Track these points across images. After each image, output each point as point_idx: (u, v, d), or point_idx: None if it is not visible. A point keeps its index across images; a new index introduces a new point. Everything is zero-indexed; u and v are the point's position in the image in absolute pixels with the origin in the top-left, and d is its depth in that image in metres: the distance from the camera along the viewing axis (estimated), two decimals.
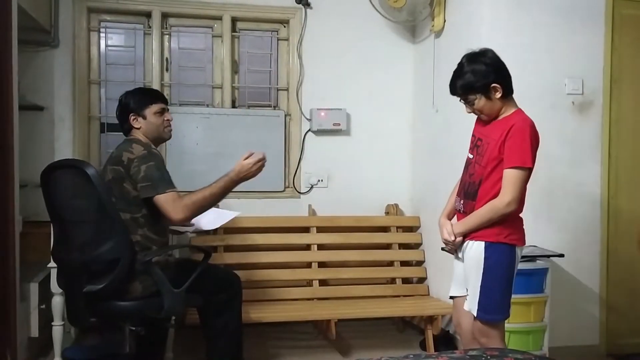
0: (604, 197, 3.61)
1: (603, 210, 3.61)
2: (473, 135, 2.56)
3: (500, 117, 2.43)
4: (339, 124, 4.25)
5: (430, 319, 3.67)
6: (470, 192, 2.43)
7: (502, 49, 3.45)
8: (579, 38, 3.53)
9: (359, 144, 4.37)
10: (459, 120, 3.66)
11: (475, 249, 2.41)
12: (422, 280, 4.24)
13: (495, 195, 2.35)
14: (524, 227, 2.46)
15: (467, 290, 2.46)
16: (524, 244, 2.47)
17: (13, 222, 2.84)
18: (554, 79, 3.51)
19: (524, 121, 2.36)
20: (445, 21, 3.89)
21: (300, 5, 4.24)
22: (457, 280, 2.56)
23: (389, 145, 4.41)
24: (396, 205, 4.36)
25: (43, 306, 3.29)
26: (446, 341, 3.69)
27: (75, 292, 2.61)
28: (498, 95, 2.38)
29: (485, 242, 2.38)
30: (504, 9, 3.46)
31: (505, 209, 2.32)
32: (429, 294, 4.13)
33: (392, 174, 4.42)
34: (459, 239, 2.45)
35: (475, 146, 2.50)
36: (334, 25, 4.29)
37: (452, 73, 2.47)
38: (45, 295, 3.26)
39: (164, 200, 2.55)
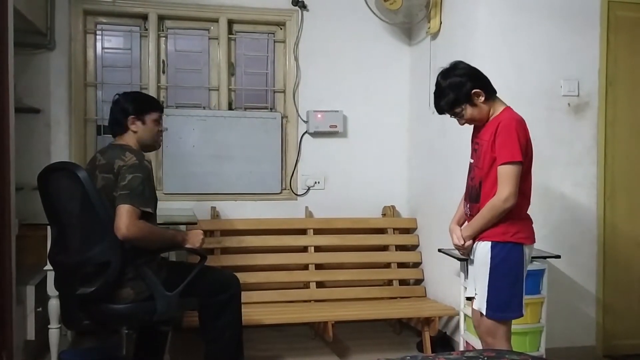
0: (600, 198, 3.62)
1: (599, 211, 3.62)
2: (472, 141, 2.62)
3: (491, 118, 2.49)
4: (336, 126, 4.25)
5: (427, 321, 3.67)
6: (474, 195, 2.50)
7: (498, 51, 3.49)
8: (575, 40, 3.54)
9: (356, 146, 4.38)
10: (455, 122, 3.67)
11: (481, 249, 2.45)
12: (419, 282, 4.24)
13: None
14: (532, 226, 2.50)
15: (475, 290, 2.50)
16: (533, 242, 2.51)
17: (9, 224, 2.83)
18: (550, 81, 3.52)
19: (509, 118, 2.41)
20: (441, 23, 3.90)
21: (297, 8, 4.24)
22: (471, 281, 2.60)
23: (385, 147, 4.42)
24: (393, 207, 4.36)
25: (39, 309, 3.28)
26: (443, 343, 3.70)
27: (69, 295, 2.60)
28: (481, 99, 2.46)
29: (492, 241, 2.42)
30: (499, 11, 3.47)
31: (504, 205, 2.35)
32: (425, 296, 4.13)
33: (388, 175, 4.42)
34: (469, 242, 2.49)
35: (474, 151, 2.57)
36: (330, 27, 4.30)
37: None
38: (42, 298, 3.25)
39: (124, 210, 2.47)
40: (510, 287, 2.42)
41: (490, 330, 2.45)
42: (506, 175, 2.35)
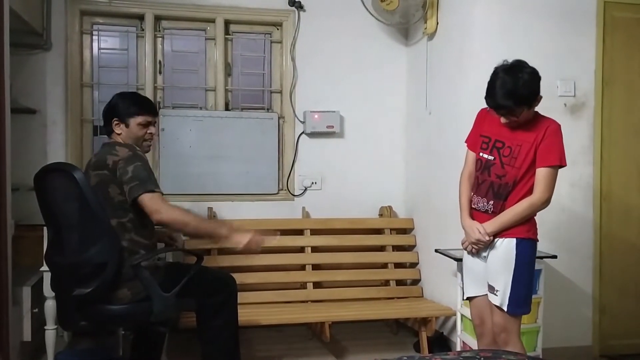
0: (597, 198, 3.63)
1: (595, 212, 3.63)
2: (485, 137, 2.59)
3: (527, 121, 2.50)
4: (333, 127, 4.26)
5: (424, 321, 3.68)
6: (502, 193, 2.50)
7: (494, 52, 3.49)
8: (571, 40, 3.55)
9: (353, 147, 4.38)
10: (452, 122, 3.69)
11: (505, 246, 2.49)
12: (416, 282, 4.25)
13: (525, 194, 2.47)
14: None
15: (491, 286, 2.51)
16: None
17: (5, 225, 2.83)
18: (546, 81, 3.43)
19: (556, 123, 2.51)
20: (438, 24, 3.91)
21: (293, 8, 4.24)
22: (477, 279, 2.62)
23: (382, 148, 4.42)
24: (390, 207, 4.37)
25: (36, 310, 3.28)
26: (440, 343, 3.70)
27: (66, 296, 2.60)
28: (537, 104, 2.47)
29: (517, 238, 2.48)
30: (496, 11, 3.48)
31: (543, 206, 2.47)
32: (422, 296, 4.14)
33: (385, 176, 4.42)
34: (490, 238, 2.51)
35: (494, 148, 2.54)
36: (327, 28, 4.30)
37: (489, 85, 2.44)
38: (38, 299, 3.25)
39: (150, 197, 2.49)
40: (529, 283, 2.52)
41: (503, 326, 2.50)
42: (551, 177, 2.46)
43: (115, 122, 2.72)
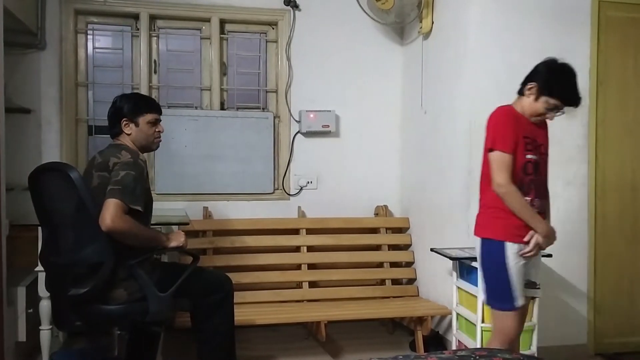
0: (591, 197, 3.64)
1: (590, 210, 3.64)
2: (528, 137, 2.54)
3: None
4: (328, 126, 4.26)
5: (420, 320, 3.68)
6: (545, 191, 2.63)
7: (489, 51, 3.51)
8: (566, 40, 3.56)
9: (348, 146, 4.38)
10: (447, 122, 3.69)
11: None
12: (411, 281, 4.25)
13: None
14: None
15: (533, 282, 2.60)
16: None
17: (0, 225, 2.81)
18: None
19: None
20: (433, 23, 3.91)
21: (289, 7, 4.24)
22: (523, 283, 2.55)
23: (378, 147, 4.43)
24: (385, 206, 4.37)
25: (30, 310, 3.27)
26: (436, 342, 3.71)
27: (61, 296, 2.59)
28: None
29: None
30: (491, 11, 3.48)
31: None
32: (418, 295, 4.14)
33: (381, 175, 4.43)
34: None
35: (536, 148, 2.56)
36: (322, 27, 4.30)
37: (570, 83, 2.63)
38: (33, 300, 3.24)
39: (112, 203, 2.44)
40: None
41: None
42: None
43: (125, 123, 2.72)
